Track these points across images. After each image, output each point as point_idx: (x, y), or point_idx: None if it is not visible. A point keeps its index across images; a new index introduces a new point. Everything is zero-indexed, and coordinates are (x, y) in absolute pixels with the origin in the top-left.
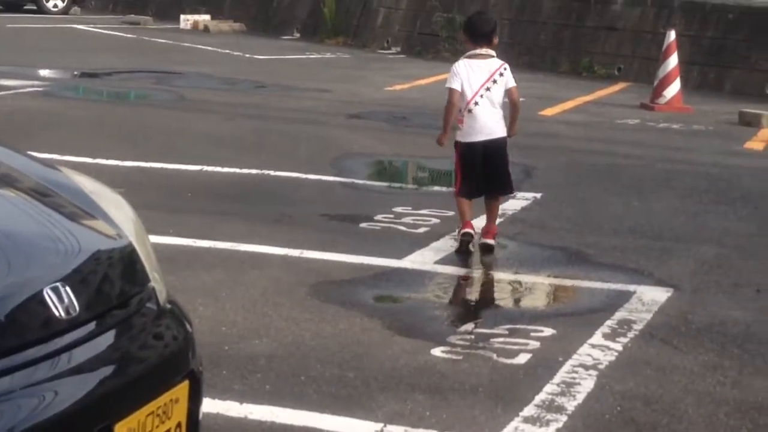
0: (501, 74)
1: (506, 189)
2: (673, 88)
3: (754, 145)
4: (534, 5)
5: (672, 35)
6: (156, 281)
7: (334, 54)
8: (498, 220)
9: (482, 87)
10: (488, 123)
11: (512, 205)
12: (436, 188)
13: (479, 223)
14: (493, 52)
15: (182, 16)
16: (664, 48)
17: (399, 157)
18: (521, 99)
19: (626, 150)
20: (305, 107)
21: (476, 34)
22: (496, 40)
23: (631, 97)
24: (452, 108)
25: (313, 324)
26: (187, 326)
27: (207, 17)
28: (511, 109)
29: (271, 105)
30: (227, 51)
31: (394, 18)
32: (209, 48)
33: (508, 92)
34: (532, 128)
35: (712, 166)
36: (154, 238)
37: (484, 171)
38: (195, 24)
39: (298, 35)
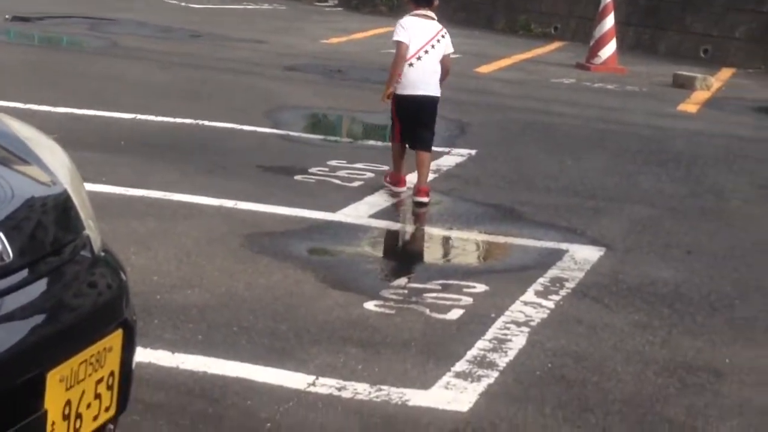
0: (442, 37)
1: (429, 145)
2: (609, 49)
3: (687, 107)
4: None
5: None
6: (91, 229)
7: (270, 5)
8: (432, 176)
9: (426, 44)
10: (425, 79)
11: (447, 161)
12: (371, 142)
13: (411, 178)
14: (434, 15)
15: None
16: (600, 8)
17: (334, 111)
18: (457, 55)
19: (561, 109)
20: (241, 58)
21: None
22: (436, 2)
23: (567, 57)
24: (401, 61)
25: (246, 275)
26: (122, 275)
27: None
28: (442, 73)
29: (206, 54)
30: None
31: None
32: None
33: (443, 57)
34: (467, 85)
35: (646, 128)
36: (87, 186)
37: (416, 123)
38: None
39: None
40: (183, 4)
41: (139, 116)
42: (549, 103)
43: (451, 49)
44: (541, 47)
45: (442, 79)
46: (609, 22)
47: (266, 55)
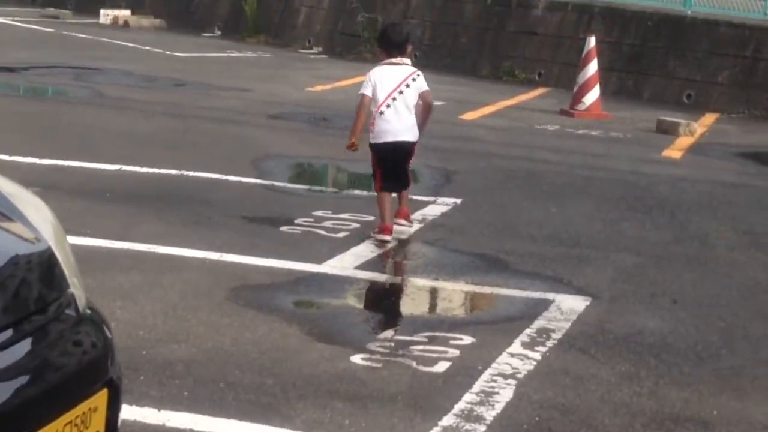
0: (414, 80)
1: (407, 185)
2: (593, 95)
3: (672, 153)
4: (455, 8)
5: (592, 41)
6: (75, 286)
7: (255, 53)
8: (418, 226)
9: (394, 91)
10: (398, 126)
11: (432, 210)
12: (357, 192)
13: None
14: (407, 60)
15: (102, 11)
16: (584, 54)
17: (319, 160)
18: (441, 102)
19: (545, 156)
20: (225, 106)
21: (390, 45)
22: (409, 49)
23: (551, 103)
24: (362, 113)
25: (232, 329)
26: (107, 333)
27: (127, 12)
28: (423, 108)
29: (190, 103)
30: (147, 47)
31: (315, 17)
32: (129, 44)
33: (421, 95)
34: (452, 132)
35: (630, 174)
36: (71, 239)
37: (396, 168)
38: (115, 19)
39: (219, 33)
40: (168, 52)
41: (124, 167)
42: (533, 150)
43: (425, 87)
44: (525, 93)
45: (425, 115)
46: (592, 68)
47: (251, 103)
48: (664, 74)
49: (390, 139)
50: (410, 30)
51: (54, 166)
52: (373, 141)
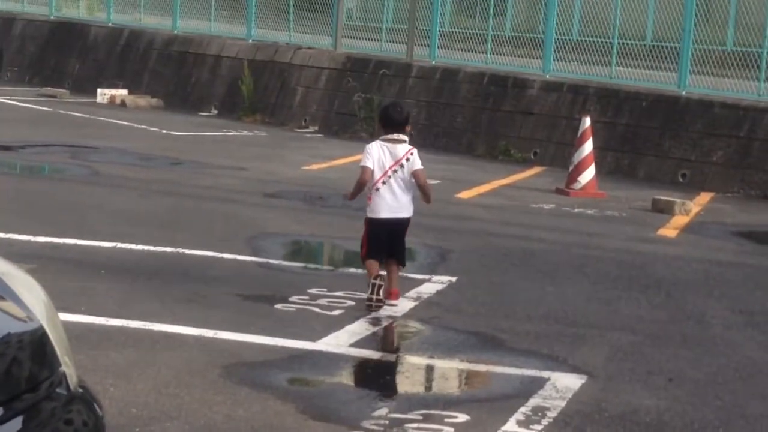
0: (408, 159)
1: (402, 261)
2: (588, 174)
3: (667, 232)
4: (451, 88)
5: (587, 121)
6: (67, 365)
7: (251, 132)
8: (413, 304)
9: (390, 169)
10: (393, 203)
11: (427, 288)
12: (352, 270)
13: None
14: (405, 138)
15: (99, 90)
16: (579, 134)
17: (315, 238)
18: (437, 181)
19: (541, 235)
20: (221, 185)
21: (390, 123)
22: (408, 128)
23: (547, 182)
24: (362, 184)
25: (225, 407)
26: (98, 411)
27: (124, 92)
28: (420, 188)
29: (186, 182)
30: (144, 126)
31: (312, 97)
32: (126, 123)
33: (413, 174)
34: (448, 211)
35: (626, 253)
36: (66, 316)
37: (388, 243)
38: (112, 98)
39: (215, 112)
40: (164, 131)
41: (120, 245)
42: (529, 229)
43: (418, 166)
44: (520, 172)
45: (423, 192)
46: (588, 147)
47: (247, 182)
48: (659, 154)
49: (385, 215)
50: (410, 110)
51: (49, 243)
52: (369, 215)
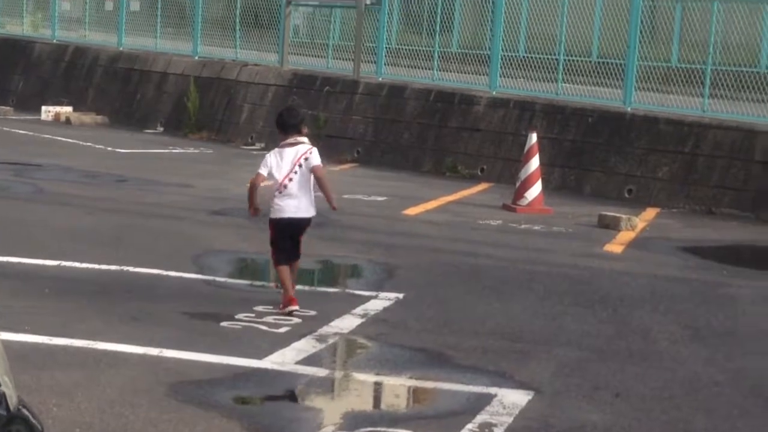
0: (306, 158)
1: (298, 255)
2: (535, 190)
3: (613, 248)
4: (398, 105)
5: (534, 137)
6: (6, 385)
7: (197, 149)
8: (360, 321)
9: (290, 172)
10: (294, 204)
11: (374, 305)
12: (298, 287)
13: None
14: (303, 139)
15: (44, 107)
16: (525, 150)
17: (261, 255)
18: (384, 198)
19: (488, 251)
20: (167, 202)
21: (286, 126)
22: (305, 130)
23: (494, 198)
24: (253, 189)
25: (170, 425)
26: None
27: (69, 109)
28: (319, 184)
29: (132, 199)
30: (89, 144)
31: (258, 114)
32: (70, 140)
33: (312, 170)
34: (395, 227)
35: (572, 268)
36: (8, 336)
37: (291, 242)
38: (57, 115)
39: (161, 129)
40: (109, 149)
41: (64, 263)
42: (476, 245)
43: (316, 162)
44: (467, 189)
45: (323, 189)
46: (534, 163)
47: (193, 199)
48: (605, 169)
49: (287, 215)
50: (304, 113)
51: None
52: (272, 216)
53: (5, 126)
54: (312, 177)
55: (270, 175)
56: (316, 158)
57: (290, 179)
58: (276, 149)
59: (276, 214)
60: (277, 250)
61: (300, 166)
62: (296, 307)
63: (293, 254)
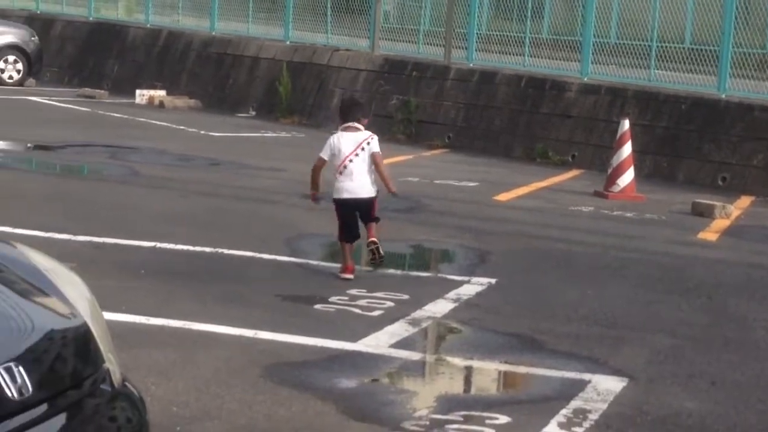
0: (368, 143)
1: (375, 220)
2: (627, 177)
3: (707, 235)
4: (489, 91)
5: (626, 124)
6: (110, 362)
7: (289, 133)
8: (453, 305)
9: (351, 155)
10: (353, 184)
11: (467, 290)
12: (391, 271)
13: None
14: (361, 126)
15: (138, 91)
16: (618, 136)
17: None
18: (475, 183)
19: (580, 237)
20: (260, 186)
21: (345, 114)
22: (364, 120)
23: (585, 185)
24: (315, 171)
25: (266, 406)
26: (142, 409)
27: (162, 93)
28: (378, 170)
29: (225, 183)
30: (182, 127)
31: None
32: (164, 123)
33: (372, 156)
34: (486, 213)
35: (666, 256)
36: (107, 315)
37: (356, 220)
38: (150, 99)
39: (253, 113)
40: (202, 132)
41: (159, 244)
42: (568, 231)
43: (375, 149)
44: (558, 175)
45: (381, 175)
46: (627, 150)
47: (285, 183)
48: (698, 157)
49: (346, 196)
50: (363, 103)
51: (89, 242)
52: (334, 196)
53: (100, 109)
54: (370, 162)
55: (331, 157)
56: (376, 145)
57: (350, 161)
58: (337, 133)
59: (337, 194)
60: (341, 228)
61: (362, 149)
62: (350, 276)
63: (356, 234)
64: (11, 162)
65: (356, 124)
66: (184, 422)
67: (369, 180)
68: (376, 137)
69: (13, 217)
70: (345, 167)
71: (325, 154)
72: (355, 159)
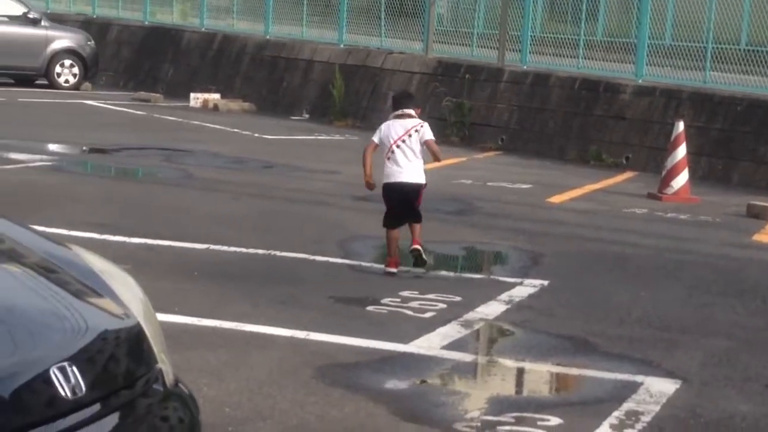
0: (417, 130)
1: (417, 219)
2: (681, 179)
3: (763, 237)
4: (543, 93)
5: (681, 126)
6: (163, 362)
7: (342, 136)
8: (505, 307)
9: (399, 140)
10: (402, 170)
11: (519, 292)
12: (443, 273)
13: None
14: (412, 113)
15: (192, 95)
16: (672, 138)
17: (406, 241)
18: (528, 186)
19: (634, 239)
20: (313, 188)
21: (397, 103)
22: (417, 109)
23: (639, 187)
24: (365, 155)
25: (318, 407)
26: (194, 409)
27: (217, 96)
28: (433, 157)
29: (278, 185)
30: (236, 130)
31: None
32: (218, 126)
33: (425, 144)
34: (539, 215)
35: (720, 258)
36: (160, 316)
37: (402, 207)
38: (205, 102)
39: (307, 116)
40: (256, 135)
41: (213, 246)
42: (621, 234)
43: (428, 137)
44: (612, 177)
45: (435, 159)
46: (681, 152)
47: (338, 185)
48: (754, 159)
49: (394, 180)
50: (414, 95)
51: (143, 244)
52: (384, 181)
53: (155, 113)
54: (422, 148)
55: (381, 143)
56: (428, 132)
57: (397, 146)
58: (387, 121)
59: (385, 179)
60: (386, 214)
61: (410, 135)
62: (393, 270)
63: (406, 219)
64: (67, 165)
65: (408, 111)
66: (236, 423)
67: (417, 166)
68: (426, 124)
69: (69, 219)
70: (393, 152)
71: (375, 137)
72: (402, 145)
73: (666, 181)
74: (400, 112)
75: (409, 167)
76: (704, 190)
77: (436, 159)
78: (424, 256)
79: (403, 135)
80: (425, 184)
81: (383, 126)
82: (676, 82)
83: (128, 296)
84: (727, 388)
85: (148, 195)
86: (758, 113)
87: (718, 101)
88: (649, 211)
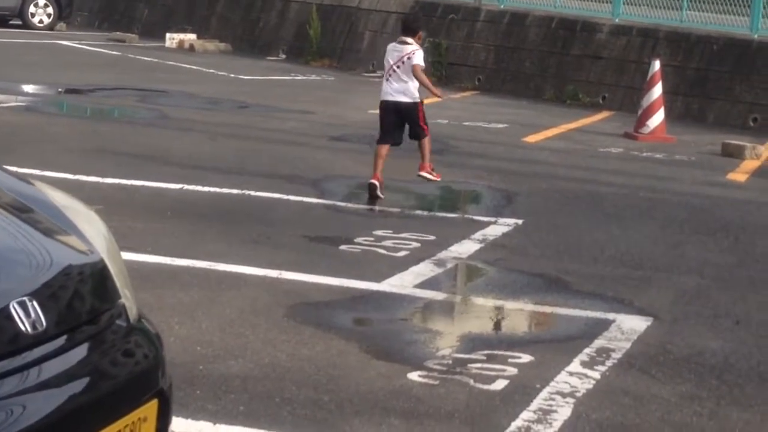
0: (409, 57)
1: (421, 135)
2: (657, 118)
3: (737, 176)
4: (519, 33)
5: (657, 65)
6: (126, 298)
7: (318, 76)
8: (479, 246)
9: (394, 64)
10: (394, 89)
11: (493, 230)
12: (417, 212)
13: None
14: (410, 41)
15: (168, 35)
16: (648, 78)
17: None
18: (504, 125)
19: (608, 178)
20: (288, 128)
21: (404, 28)
22: (418, 37)
23: (615, 126)
24: (422, 77)
25: (289, 345)
26: (158, 344)
27: (192, 36)
28: (418, 81)
29: (253, 125)
30: (212, 70)
31: (379, 41)
32: (194, 67)
33: (412, 68)
34: (515, 154)
35: (694, 197)
36: (132, 256)
37: (401, 126)
38: (180, 43)
39: (283, 56)
40: (232, 75)
41: (187, 186)
42: (596, 173)
43: (415, 62)
44: (588, 117)
45: (424, 84)
46: (657, 91)
47: (313, 125)
48: (729, 98)
49: (387, 98)
50: (420, 21)
51: (117, 185)
52: (380, 99)
53: (131, 53)
54: (410, 72)
55: (384, 64)
56: (417, 58)
57: (393, 70)
58: (392, 44)
59: (381, 97)
60: (380, 130)
61: (402, 62)
62: (375, 182)
63: (393, 139)
64: (41, 105)
65: (406, 38)
66: (207, 361)
67: (409, 87)
68: (420, 51)
69: (42, 159)
70: (390, 75)
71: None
72: (398, 70)
73: (642, 121)
74: (400, 38)
75: (402, 88)
76: (680, 130)
77: (422, 83)
78: (431, 176)
79: (397, 61)
80: (421, 101)
81: (387, 48)
82: (653, 21)
83: (92, 232)
84: (697, 325)
85: (122, 135)
86: (734, 52)
87: (695, 40)
88: (624, 150)
